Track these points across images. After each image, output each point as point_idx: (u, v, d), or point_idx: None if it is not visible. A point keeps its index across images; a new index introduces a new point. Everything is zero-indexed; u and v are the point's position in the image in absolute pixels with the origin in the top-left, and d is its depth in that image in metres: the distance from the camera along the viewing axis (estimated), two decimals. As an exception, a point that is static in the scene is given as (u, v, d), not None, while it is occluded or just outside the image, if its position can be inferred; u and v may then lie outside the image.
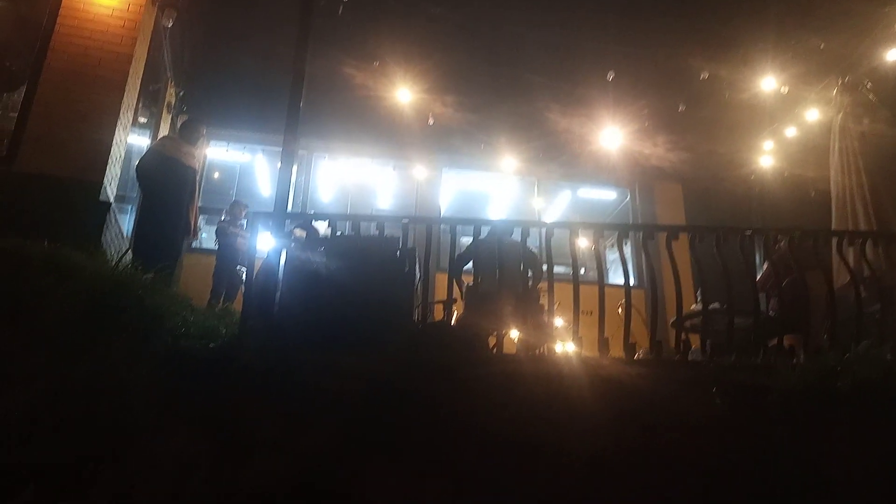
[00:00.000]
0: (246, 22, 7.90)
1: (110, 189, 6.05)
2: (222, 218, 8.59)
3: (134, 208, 7.70)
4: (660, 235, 4.96)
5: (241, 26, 7.99)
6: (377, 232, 4.83)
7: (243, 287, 6.23)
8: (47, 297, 3.36)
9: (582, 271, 4.97)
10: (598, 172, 10.58)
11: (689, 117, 8.71)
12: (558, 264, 5.25)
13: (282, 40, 6.18)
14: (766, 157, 9.61)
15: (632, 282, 4.80)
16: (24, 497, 2.80)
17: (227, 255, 8.13)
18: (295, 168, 8.92)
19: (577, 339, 4.57)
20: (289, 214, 5.93)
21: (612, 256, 10.34)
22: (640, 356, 4.56)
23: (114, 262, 4.30)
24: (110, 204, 5.90)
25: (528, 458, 3.34)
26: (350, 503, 3.10)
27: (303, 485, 3.02)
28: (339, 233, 5.12)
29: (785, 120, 8.96)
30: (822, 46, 7.37)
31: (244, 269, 7.19)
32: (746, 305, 4.97)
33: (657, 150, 9.47)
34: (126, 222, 7.35)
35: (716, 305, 5.22)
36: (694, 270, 4.81)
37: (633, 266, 8.98)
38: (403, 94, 8.63)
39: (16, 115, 6.02)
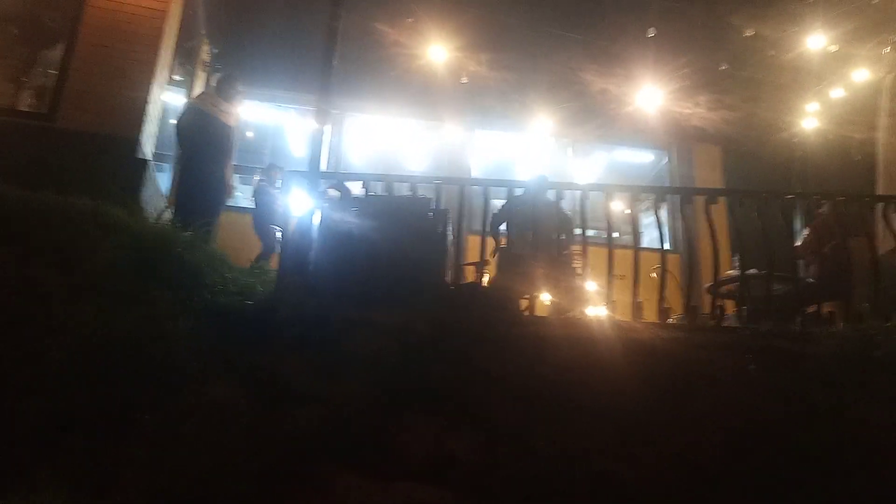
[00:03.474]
0: (280, -22, 7.84)
1: (148, 146, 6.13)
2: (258, 178, 8.68)
3: (171, 167, 7.80)
4: (697, 199, 4.86)
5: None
6: (409, 193, 4.82)
7: (279, 247, 6.31)
8: (94, 250, 3.46)
9: (615, 235, 4.91)
10: (634, 134, 10.33)
11: (731, 77, 8.43)
12: (591, 227, 5.20)
13: (316, -4, 6.11)
14: (810, 120, 9.28)
15: (666, 246, 4.73)
16: (70, 442, 2.91)
17: (264, 214, 8.24)
18: (328, 128, 8.92)
19: (611, 302, 4.55)
20: (322, 174, 5.94)
21: (645, 220, 10.20)
22: (674, 321, 4.53)
23: (154, 220, 4.39)
24: (147, 161, 5.98)
25: (559, 415, 3.38)
26: (385, 452, 3.17)
27: (339, 433, 3.10)
28: (371, 193, 5.13)
29: (831, 80, 8.61)
30: (873, 1, 7.04)
31: (280, 230, 7.29)
32: (785, 271, 4.88)
33: (697, 112, 9.19)
34: (164, 180, 7.46)
35: (753, 271, 5.13)
36: (732, 235, 4.73)
37: (668, 230, 8.85)
38: (437, 51, 8.47)
39: (55, 72, 6.10)
